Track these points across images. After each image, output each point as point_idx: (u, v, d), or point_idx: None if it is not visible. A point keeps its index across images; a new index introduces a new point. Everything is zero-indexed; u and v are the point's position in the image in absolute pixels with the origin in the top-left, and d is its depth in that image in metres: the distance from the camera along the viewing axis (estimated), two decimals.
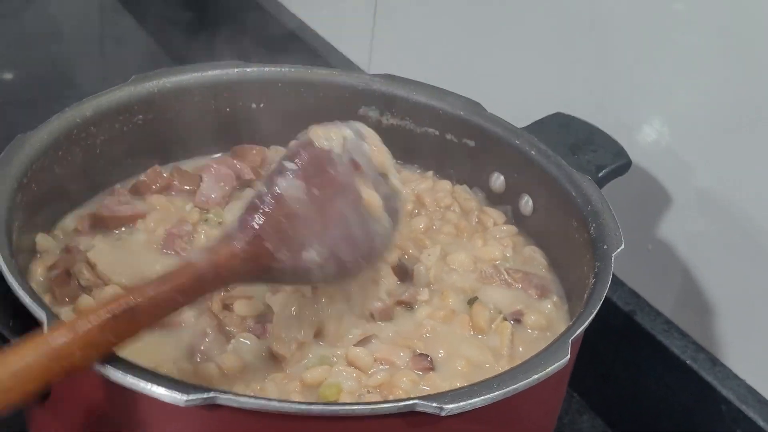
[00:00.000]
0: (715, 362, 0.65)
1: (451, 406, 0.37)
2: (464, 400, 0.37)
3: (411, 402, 0.37)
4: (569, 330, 0.42)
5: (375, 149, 0.49)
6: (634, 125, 0.66)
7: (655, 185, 0.67)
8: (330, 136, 0.47)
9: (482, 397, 0.38)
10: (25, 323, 0.41)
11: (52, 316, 0.39)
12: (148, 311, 0.39)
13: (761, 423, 0.61)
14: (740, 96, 0.60)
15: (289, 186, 0.45)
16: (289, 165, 0.45)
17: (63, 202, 0.55)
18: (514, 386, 0.38)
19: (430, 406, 0.37)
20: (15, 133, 0.51)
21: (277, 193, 0.44)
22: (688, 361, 0.65)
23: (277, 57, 0.85)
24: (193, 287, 0.41)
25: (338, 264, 0.46)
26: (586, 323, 0.43)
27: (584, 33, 0.68)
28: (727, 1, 0.58)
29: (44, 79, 1.12)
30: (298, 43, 0.98)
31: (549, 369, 0.40)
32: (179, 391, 0.36)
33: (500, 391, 0.38)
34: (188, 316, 0.48)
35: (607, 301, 0.69)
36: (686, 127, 0.64)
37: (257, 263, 0.43)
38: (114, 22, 1.32)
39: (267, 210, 0.44)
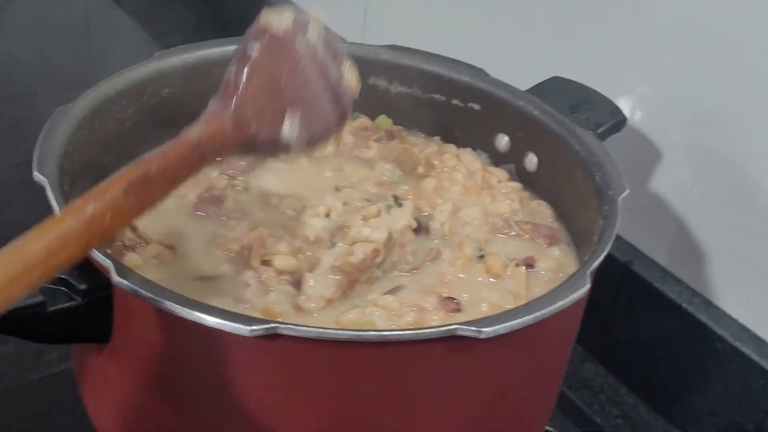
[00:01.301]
0: (709, 304, 0.68)
1: (488, 329, 0.41)
2: (500, 324, 0.41)
3: (453, 326, 0.41)
4: (587, 263, 0.46)
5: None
6: (627, 86, 0.70)
7: (647, 142, 0.70)
8: (280, 18, 0.50)
9: (516, 321, 0.41)
10: (85, 274, 0.44)
11: (119, 266, 0.42)
12: (160, 177, 0.43)
13: (755, 357, 0.64)
14: (724, 57, 0.64)
15: (253, 70, 0.49)
16: (251, 51, 0.49)
17: (100, 171, 0.58)
18: (544, 311, 0.42)
19: (470, 330, 0.40)
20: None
21: (245, 75, 0.49)
22: (683, 305, 0.68)
23: None
24: (193, 154, 0.45)
25: (314, 131, 0.51)
26: (602, 256, 0.47)
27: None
28: None
29: (29, 69, 1.13)
30: None
31: (573, 296, 0.43)
32: (243, 323, 0.39)
33: (532, 315, 0.42)
34: (228, 269, 0.52)
35: None
36: (676, 87, 0.67)
37: (242, 134, 0.47)
38: (101, 11, 1.33)
39: (240, 89, 0.48)
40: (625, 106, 0.68)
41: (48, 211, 0.47)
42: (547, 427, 0.62)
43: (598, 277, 0.72)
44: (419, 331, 0.41)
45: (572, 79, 0.67)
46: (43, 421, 0.62)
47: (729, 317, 0.67)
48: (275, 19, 0.50)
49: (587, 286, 0.44)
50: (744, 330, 0.66)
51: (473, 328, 0.41)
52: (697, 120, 0.66)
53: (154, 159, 0.44)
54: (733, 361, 0.66)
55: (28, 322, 0.42)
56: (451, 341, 0.41)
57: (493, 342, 0.41)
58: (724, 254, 0.68)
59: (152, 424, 0.46)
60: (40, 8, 1.30)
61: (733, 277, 0.67)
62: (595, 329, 0.76)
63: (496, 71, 0.67)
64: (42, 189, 0.48)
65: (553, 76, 0.67)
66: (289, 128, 0.48)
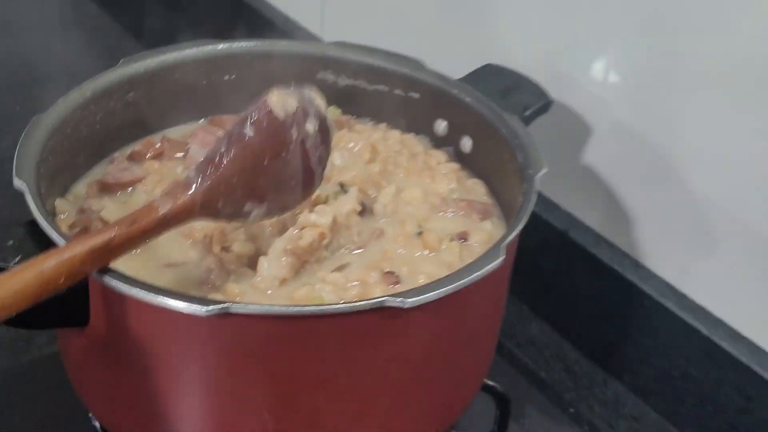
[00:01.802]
0: (638, 265, 0.74)
1: (411, 299, 0.47)
2: (421, 295, 0.47)
3: (381, 299, 0.47)
4: (502, 238, 0.53)
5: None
6: (557, 70, 0.76)
7: (578, 120, 0.76)
8: (286, 103, 0.54)
9: (436, 292, 0.48)
10: None
11: None
12: (121, 246, 0.48)
13: (677, 311, 0.71)
14: (646, 43, 0.69)
15: (242, 151, 0.52)
16: (247, 130, 0.52)
17: (73, 172, 0.64)
18: (460, 282, 0.48)
19: (395, 300, 0.47)
20: None
21: (230, 155, 0.52)
22: (615, 267, 0.74)
23: (236, 31, 0.94)
24: (157, 227, 0.50)
25: (274, 208, 0.55)
26: (516, 231, 0.53)
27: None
28: None
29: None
30: (257, 17, 1.07)
31: (488, 267, 0.49)
32: (200, 304, 0.46)
33: (450, 286, 0.48)
34: (193, 255, 0.58)
35: (545, 222, 0.80)
36: (602, 69, 0.73)
37: (206, 209, 0.52)
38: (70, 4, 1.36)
39: (221, 169, 0.51)
40: (556, 88, 0.75)
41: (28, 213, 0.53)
42: (491, 382, 0.70)
43: (541, 244, 0.79)
44: (353, 304, 0.47)
45: (505, 66, 0.73)
46: (35, 399, 0.67)
47: (655, 276, 0.73)
48: (281, 104, 0.54)
49: (501, 258, 0.50)
50: (668, 287, 0.72)
51: (399, 299, 0.47)
52: (620, 99, 0.72)
53: (119, 228, 0.48)
54: (658, 315, 0.72)
55: None
56: (381, 312, 0.47)
57: (417, 310, 0.48)
58: (649, 218, 0.74)
59: (131, 399, 0.53)
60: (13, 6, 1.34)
61: (658, 239, 0.73)
62: (540, 292, 0.83)
63: (439, 58, 0.73)
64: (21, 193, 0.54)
65: (486, 63, 0.73)
66: (253, 208, 0.53)
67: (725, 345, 0.68)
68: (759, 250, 0.65)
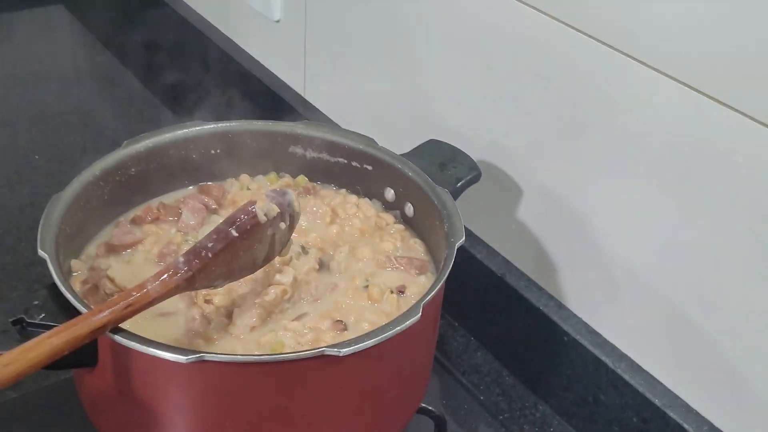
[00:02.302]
0: (561, 306, 0.86)
1: (345, 349, 0.60)
2: (353, 345, 0.60)
3: (321, 349, 0.60)
4: (422, 298, 0.66)
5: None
6: (489, 143, 0.89)
7: (511, 183, 0.88)
8: (269, 210, 0.67)
9: (365, 343, 0.60)
10: None
11: None
12: (115, 322, 0.59)
13: (590, 347, 0.82)
14: (559, 115, 0.82)
15: (224, 247, 0.64)
16: (233, 231, 0.64)
17: (84, 236, 0.77)
18: (384, 335, 0.61)
19: (332, 350, 0.60)
20: None
21: (214, 251, 0.63)
22: (541, 308, 0.86)
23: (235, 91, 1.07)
24: (145, 307, 0.62)
25: (239, 276, 0.68)
26: (434, 292, 0.66)
27: (454, 81, 0.91)
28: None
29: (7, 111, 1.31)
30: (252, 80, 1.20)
31: (407, 323, 0.62)
32: (181, 354, 0.59)
33: (377, 338, 0.61)
34: (181, 307, 0.72)
35: (487, 267, 0.93)
36: (528, 142, 0.85)
37: (187, 287, 0.64)
38: (91, 58, 1.48)
39: (204, 261, 0.63)
40: (491, 155, 0.88)
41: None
42: (429, 407, 0.83)
43: (484, 285, 0.92)
44: (300, 353, 0.60)
45: (446, 141, 0.86)
46: (54, 422, 0.78)
47: (574, 316, 0.85)
48: (265, 210, 0.66)
49: (418, 316, 0.63)
50: (584, 326, 0.84)
51: (335, 350, 0.60)
52: (540, 166, 0.85)
53: (115, 311, 0.59)
54: (575, 349, 0.84)
55: None
56: (322, 358, 0.60)
57: (351, 357, 0.61)
58: (570, 269, 0.85)
59: (133, 425, 0.67)
60: (31, 58, 1.46)
61: (577, 286, 0.85)
62: (484, 325, 0.96)
63: (389, 134, 0.87)
64: (44, 261, 0.68)
65: (430, 138, 0.86)
66: (224, 281, 0.67)
67: (627, 377, 0.79)
68: (655, 299, 0.77)
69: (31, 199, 1.13)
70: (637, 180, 0.76)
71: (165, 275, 0.62)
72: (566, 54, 0.78)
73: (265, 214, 0.67)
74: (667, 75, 0.70)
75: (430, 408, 0.81)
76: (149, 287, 0.61)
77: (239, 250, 0.66)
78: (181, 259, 0.63)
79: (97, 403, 0.69)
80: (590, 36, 0.75)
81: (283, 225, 0.69)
